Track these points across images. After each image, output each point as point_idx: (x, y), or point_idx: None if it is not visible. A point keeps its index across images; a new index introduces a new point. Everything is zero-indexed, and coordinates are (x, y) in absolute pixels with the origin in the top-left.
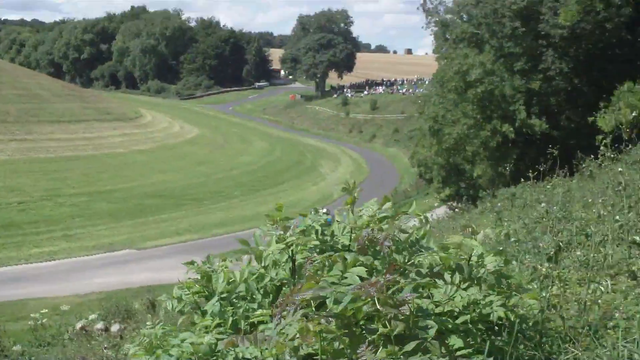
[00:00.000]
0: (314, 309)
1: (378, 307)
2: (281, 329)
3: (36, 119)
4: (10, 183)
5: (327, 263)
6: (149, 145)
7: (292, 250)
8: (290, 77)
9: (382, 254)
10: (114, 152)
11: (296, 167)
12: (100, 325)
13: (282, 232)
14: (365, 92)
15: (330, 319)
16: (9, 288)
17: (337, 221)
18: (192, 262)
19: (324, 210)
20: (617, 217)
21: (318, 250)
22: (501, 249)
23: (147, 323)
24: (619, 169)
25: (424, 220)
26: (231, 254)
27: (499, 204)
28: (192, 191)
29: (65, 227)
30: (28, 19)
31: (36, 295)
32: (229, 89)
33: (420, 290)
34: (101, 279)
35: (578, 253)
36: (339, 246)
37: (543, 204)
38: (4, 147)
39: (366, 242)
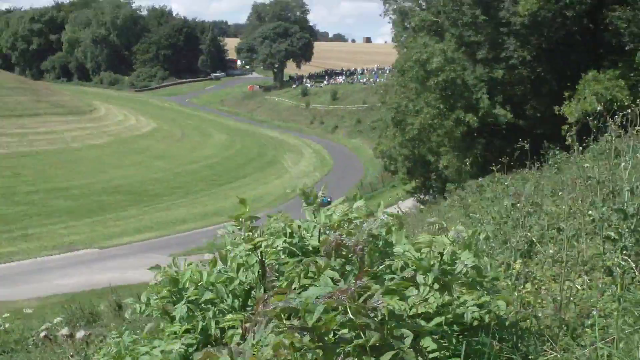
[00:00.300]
0: (284, 321)
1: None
2: (254, 343)
3: None
4: None
5: (300, 268)
6: (104, 140)
7: (261, 252)
8: (247, 67)
9: (353, 259)
10: (69, 147)
11: (258, 160)
12: (65, 330)
13: (249, 233)
14: (325, 82)
15: (304, 332)
16: None
17: (307, 220)
18: (157, 267)
19: (320, 192)
20: (590, 212)
21: (287, 252)
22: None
23: (113, 332)
24: (585, 165)
25: (394, 219)
26: (196, 251)
27: (467, 197)
28: (151, 187)
29: (22, 227)
30: None
31: None
32: (184, 80)
33: (393, 293)
34: (63, 280)
35: (551, 251)
36: (309, 248)
37: (512, 198)
38: None
39: (333, 247)
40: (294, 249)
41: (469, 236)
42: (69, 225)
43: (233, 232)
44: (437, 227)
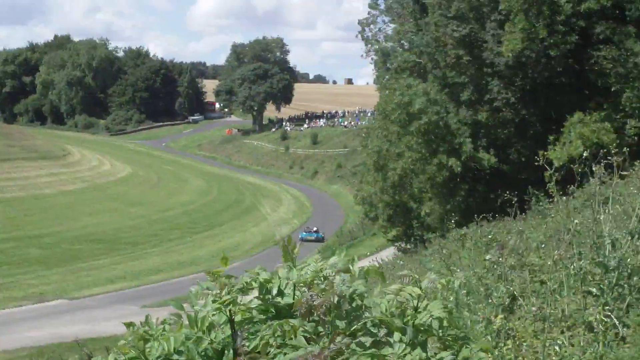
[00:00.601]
0: None
1: None
2: None
3: None
4: None
5: (272, 330)
6: (78, 186)
7: (229, 311)
8: (226, 110)
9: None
10: (42, 193)
11: (235, 207)
12: None
13: (218, 290)
14: (305, 126)
15: None
16: None
17: (279, 277)
18: (131, 324)
19: (315, 228)
20: (573, 265)
21: (260, 310)
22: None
23: None
24: (570, 216)
25: (373, 272)
26: (170, 302)
27: (448, 247)
28: (125, 234)
29: None
30: None
31: None
32: (161, 123)
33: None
34: (32, 333)
35: (533, 308)
36: (283, 305)
37: (495, 251)
38: None
39: (305, 307)
40: (267, 308)
41: (442, 285)
42: (39, 275)
43: (207, 288)
44: (408, 279)
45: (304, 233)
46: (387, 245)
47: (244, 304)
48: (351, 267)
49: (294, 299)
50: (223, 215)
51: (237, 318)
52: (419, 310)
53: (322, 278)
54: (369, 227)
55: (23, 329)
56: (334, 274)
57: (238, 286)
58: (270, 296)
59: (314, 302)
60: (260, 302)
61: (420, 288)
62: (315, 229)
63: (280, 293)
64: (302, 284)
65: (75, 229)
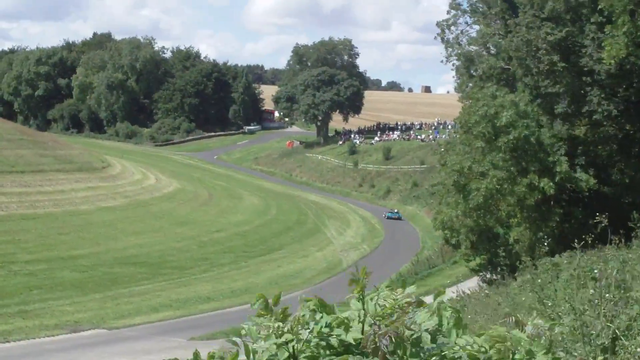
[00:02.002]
0: None
1: None
2: None
3: None
4: None
5: None
6: (118, 202)
7: (293, 347)
8: (287, 119)
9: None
10: (78, 209)
11: (296, 229)
12: None
13: (279, 324)
14: (377, 139)
15: None
16: None
17: (350, 308)
18: None
19: (396, 210)
20: None
21: (324, 346)
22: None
23: None
24: None
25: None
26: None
27: (542, 278)
28: (171, 258)
29: (21, 301)
30: None
31: None
32: (213, 133)
33: None
34: None
35: (639, 349)
36: (351, 341)
37: (594, 284)
38: None
39: (371, 344)
40: (332, 344)
41: (547, 332)
42: (74, 301)
43: (262, 323)
44: (512, 319)
45: (389, 213)
46: (470, 274)
47: (308, 341)
48: (427, 301)
49: (362, 334)
50: (282, 238)
51: (301, 356)
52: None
53: (401, 310)
54: (449, 254)
55: None
56: (408, 307)
57: (301, 319)
58: (337, 331)
59: (380, 338)
60: (323, 338)
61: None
62: (396, 210)
63: (347, 328)
64: (372, 318)
65: (114, 251)
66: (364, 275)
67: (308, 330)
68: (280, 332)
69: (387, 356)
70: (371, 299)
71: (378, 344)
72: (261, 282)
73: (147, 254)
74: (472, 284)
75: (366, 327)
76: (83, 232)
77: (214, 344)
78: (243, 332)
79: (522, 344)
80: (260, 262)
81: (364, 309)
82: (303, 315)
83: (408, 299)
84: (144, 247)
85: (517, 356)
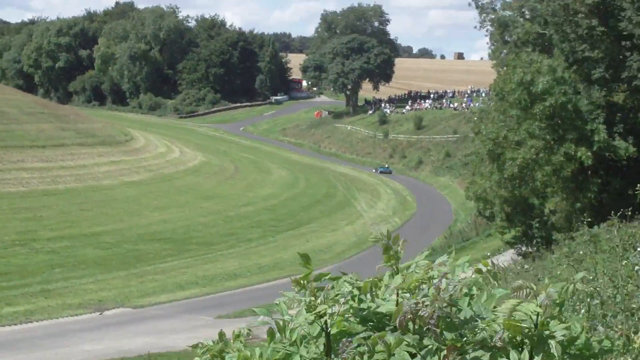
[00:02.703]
0: None
1: None
2: None
3: (2, 143)
4: None
5: (363, 348)
6: (142, 176)
7: (325, 322)
8: (315, 89)
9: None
10: (100, 184)
11: (325, 202)
12: None
13: (312, 298)
14: (408, 108)
15: None
16: None
17: (382, 283)
18: (197, 346)
19: (386, 165)
20: None
21: (358, 320)
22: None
23: None
24: None
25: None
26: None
27: (578, 250)
28: (197, 233)
29: (43, 280)
30: None
31: None
32: (239, 104)
33: None
34: (89, 346)
35: None
36: (384, 314)
37: (637, 252)
38: None
39: (408, 319)
40: (366, 316)
41: (558, 295)
42: (97, 279)
43: (294, 297)
44: (522, 290)
45: (381, 168)
46: (505, 247)
47: (341, 314)
48: (461, 270)
49: (396, 306)
50: (311, 212)
51: (333, 330)
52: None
53: (427, 282)
54: (483, 226)
55: (79, 341)
56: (440, 277)
57: (334, 293)
58: (369, 304)
59: (418, 311)
60: (355, 310)
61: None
62: (387, 165)
63: (380, 301)
64: (405, 290)
65: (139, 227)
66: (396, 244)
67: (341, 304)
68: (312, 306)
69: (432, 327)
70: (406, 270)
71: (418, 319)
72: (289, 258)
73: (172, 230)
74: (506, 257)
75: (400, 300)
76: (106, 208)
77: (242, 321)
78: (276, 307)
79: (531, 315)
80: (289, 236)
81: (398, 280)
82: (334, 289)
83: (439, 269)
84: (169, 223)
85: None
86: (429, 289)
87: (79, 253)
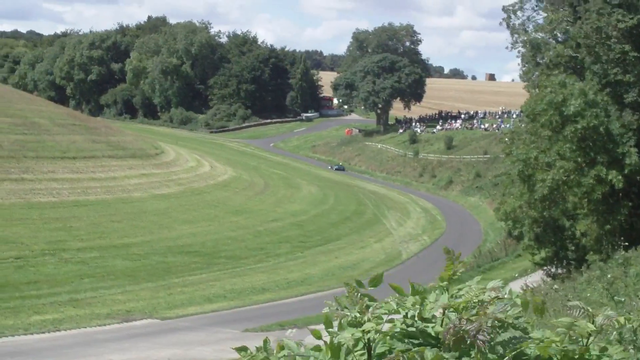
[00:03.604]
0: None
1: None
2: None
3: (34, 153)
4: (4, 233)
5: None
6: (172, 189)
7: (369, 339)
8: (345, 107)
9: (473, 351)
10: (130, 196)
11: (355, 219)
12: None
13: (357, 314)
14: (439, 127)
15: None
16: None
17: (429, 301)
18: (244, 349)
19: (340, 164)
20: None
21: (401, 337)
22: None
23: None
24: None
25: (530, 298)
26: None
27: (611, 273)
28: (225, 247)
29: (72, 290)
30: (23, 30)
31: None
32: (269, 120)
33: None
34: (116, 356)
35: None
36: (430, 333)
37: None
38: None
39: (451, 334)
40: (412, 335)
41: (620, 324)
42: (126, 290)
43: (345, 308)
44: (579, 312)
45: (335, 166)
46: (534, 269)
47: (384, 332)
48: (507, 293)
49: (442, 326)
50: (340, 228)
51: (377, 347)
52: (590, 352)
53: (476, 303)
54: (513, 247)
55: (107, 352)
56: (490, 299)
57: (380, 310)
58: (415, 322)
59: (467, 328)
60: (403, 328)
61: (594, 324)
62: (340, 163)
63: (426, 319)
64: (452, 309)
65: (168, 239)
66: (458, 261)
67: (388, 322)
68: (358, 323)
69: (479, 343)
70: (459, 290)
71: (467, 337)
72: (317, 274)
73: (201, 243)
74: (536, 278)
75: (446, 320)
76: (136, 220)
77: (269, 336)
78: (326, 309)
79: (590, 334)
80: (317, 252)
81: (445, 299)
82: (381, 307)
83: (494, 293)
84: (198, 236)
85: (585, 343)
86: (476, 311)
87: (108, 264)
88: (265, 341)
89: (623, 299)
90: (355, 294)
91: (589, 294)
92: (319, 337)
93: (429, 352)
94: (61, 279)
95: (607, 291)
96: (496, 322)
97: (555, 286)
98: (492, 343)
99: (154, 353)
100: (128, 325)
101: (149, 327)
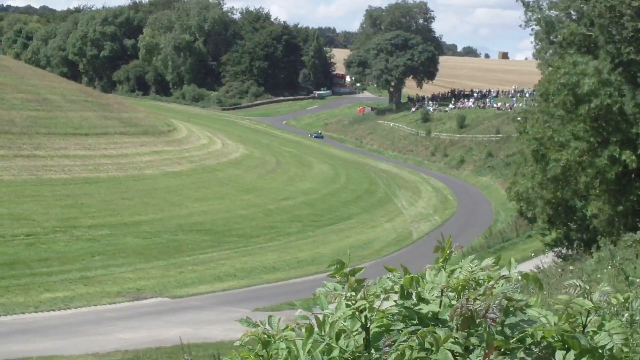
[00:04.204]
0: None
1: None
2: None
3: (46, 130)
4: (15, 210)
5: (412, 340)
6: (183, 167)
7: (365, 317)
8: (358, 84)
9: (483, 329)
10: (142, 173)
11: (366, 198)
12: None
13: (352, 293)
14: (451, 106)
15: None
16: (15, 342)
17: (426, 281)
18: (248, 320)
19: (319, 132)
20: None
21: (400, 317)
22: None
23: None
24: None
25: (531, 279)
26: (286, 306)
27: (620, 254)
28: (236, 225)
29: (82, 267)
30: (36, 5)
31: (47, 352)
32: (282, 98)
33: None
34: (126, 334)
35: None
36: (427, 313)
37: None
38: (8, 165)
39: (459, 314)
40: (409, 315)
41: (620, 301)
42: (136, 268)
43: (335, 289)
44: (577, 290)
45: (315, 134)
46: (545, 250)
47: (382, 311)
48: (510, 272)
49: (440, 306)
50: (351, 208)
51: (373, 326)
52: (588, 329)
53: (474, 283)
54: (524, 227)
55: (117, 330)
56: (486, 278)
57: (375, 289)
58: (412, 302)
59: (476, 308)
60: (401, 308)
61: (592, 301)
62: (320, 132)
63: (423, 299)
64: (450, 289)
65: (179, 217)
66: (449, 246)
67: (381, 299)
68: (352, 302)
69: (491, 322)
70: (452, 271)
71: (475, 316)
72: (328, 253)
73: (212, 221)
74: (547, 259)
75: (445, 300)
76: (147, 198)
77: (280, 315)
78: (316, 296)
79: (585, 311)
80: (328, 232)
81: (446, 280)
82: (376, 284)
83: (485, 271)
84: (209, 214)
85: (584, 321)
86: (477, 289)
87: (119, 241)
88: (269, 317)
89: (638, 279)
90: (345, 274)
91: (599, 275)
92: (308, 309)
93: (440, 332)
94: (72, 257)
95: (622, 270)
96: (504, 301)
97: (571, 267)
98: (501, 323)
99: (164, 331)
100: (138, 303)
101: (159, 305)
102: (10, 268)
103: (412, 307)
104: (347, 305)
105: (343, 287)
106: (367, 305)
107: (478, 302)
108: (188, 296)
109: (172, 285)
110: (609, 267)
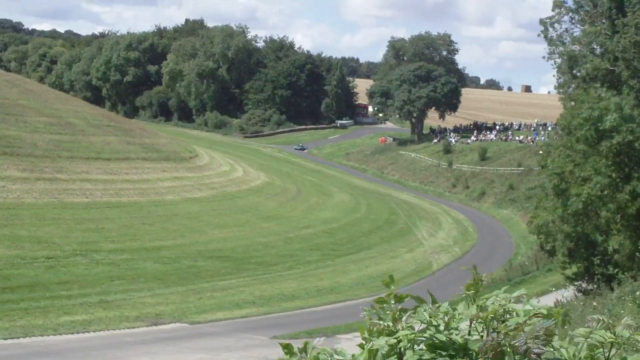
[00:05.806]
0: None
1: None
2: None
3: (69, 153)
4: (36, 233)
5: None
6: (204, 193)
7: (400, 349)
8: (380, 115)
9: None
10: (163, 199)
11: (386, 228)
12: None
13: (391, 323)
14: (473, 138)
15: None
16: None
17: (456, 310)
18: (289, 346)
19: (300, 145)
20: None
21: (429, 346)
22: None
23: None
24: None
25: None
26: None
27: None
28: (256, 253)
29: (102, 291)
30: (61, 30)
31: None
32: (304, 126)
33: None
34: (145, 359)
35: None
36: (457, 342)
37: None
38: (30, 187)
39: (489, 347)
40: (440, 345)
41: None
42: (156, 293)
43: (378, 317)
44: (600, 324)
45: (297, 146)
46: (565, 284)
47: (415, 340)
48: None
49: (469, 336)
50: (371, 237)
51: (407, 355)
52: None
53: (505, 313)
54: (544, 261)
55: (135, 354)
56: (520, 311)
57: (413, 320)
58: (443, 332)
59: (513, 343)
60: (432, 338)
61: (614, 334)
62: (301, 145)
63: (452, 329)
64: (480, 321)
65: (199, 243)
66: (479, 277)
67: (416, 331)
68: (392, 332)
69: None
70: (484, 302)
71: (507, 352)
72: (347, 282)
73: (232, 249)
74: (567, 293)
75: (472, 331)
76: (167, 223)
77: (297, 343)
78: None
79: (607, 344)
80: (348, 261)
81: (473, 310)
82: (414, 314)
83: (517, 303)
84: (229, 241)
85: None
86: (509, 322)
87: (139, 266)
88: (306, 343)
89: None
90: (390, 302)
91: (621, 311)
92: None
93: None
94: (91, 280)
95: (638, 307)
96: (542, 335)
97: (594, 303)
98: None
99: (182, 357)
100: (157, 328)
101: (177, 331)
102: (29, 290)
103: (445, 337)
104: (388, 335)
105: (386, 313)
106: (409, 337)
107: (509, 336)
108: (206, 322)
109: (190, 311)
110: (629, 303)
